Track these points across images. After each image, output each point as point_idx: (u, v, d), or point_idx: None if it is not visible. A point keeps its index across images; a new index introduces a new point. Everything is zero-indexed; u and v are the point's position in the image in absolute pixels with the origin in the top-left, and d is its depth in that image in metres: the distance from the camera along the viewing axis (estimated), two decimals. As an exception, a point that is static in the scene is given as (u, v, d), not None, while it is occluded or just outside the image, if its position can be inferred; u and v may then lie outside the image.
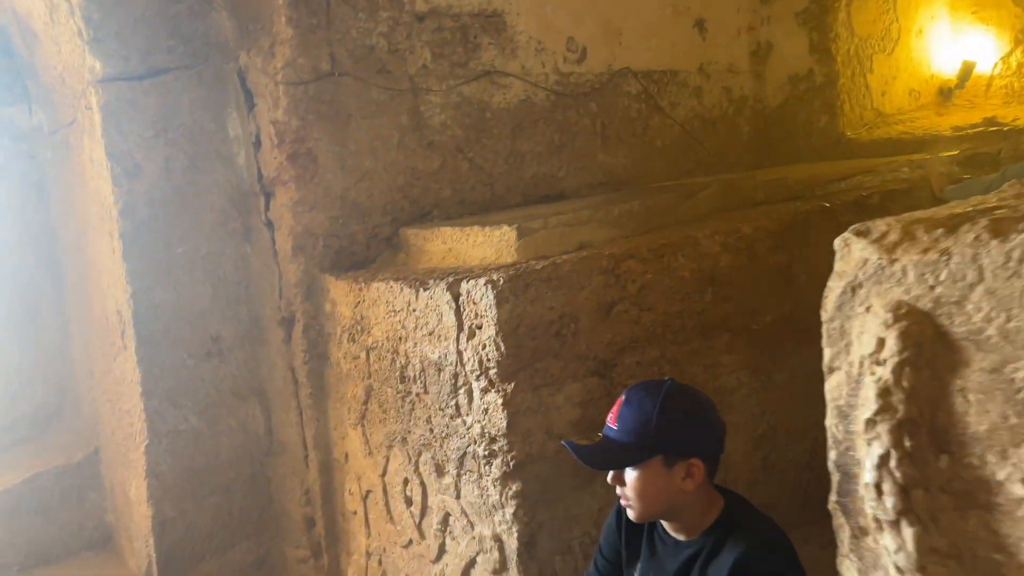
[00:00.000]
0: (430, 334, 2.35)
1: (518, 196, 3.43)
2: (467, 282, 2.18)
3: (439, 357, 2.32)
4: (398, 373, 2.54)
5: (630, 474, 1.59)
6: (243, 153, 3.18)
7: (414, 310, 2.42)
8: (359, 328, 2.73)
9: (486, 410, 2.17)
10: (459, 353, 2.23)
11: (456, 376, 2.26)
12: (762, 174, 3.26)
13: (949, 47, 4.52)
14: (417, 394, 2.46)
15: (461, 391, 2.25)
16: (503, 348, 2.09)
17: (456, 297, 2.22)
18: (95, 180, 3.18)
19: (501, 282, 2.09)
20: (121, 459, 3.36)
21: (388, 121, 3.08)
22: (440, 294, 2.28)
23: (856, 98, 4.21)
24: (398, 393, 2.55)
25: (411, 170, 3.13)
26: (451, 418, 2.31)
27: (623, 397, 1.65)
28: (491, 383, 2.14)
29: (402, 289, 2.47)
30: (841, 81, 4.13)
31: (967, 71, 4.48)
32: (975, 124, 4.14)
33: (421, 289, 2.38)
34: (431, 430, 2.41)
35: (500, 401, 2.12)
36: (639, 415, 1.59)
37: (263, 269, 3.17)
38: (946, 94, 4.56)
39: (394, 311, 2.52)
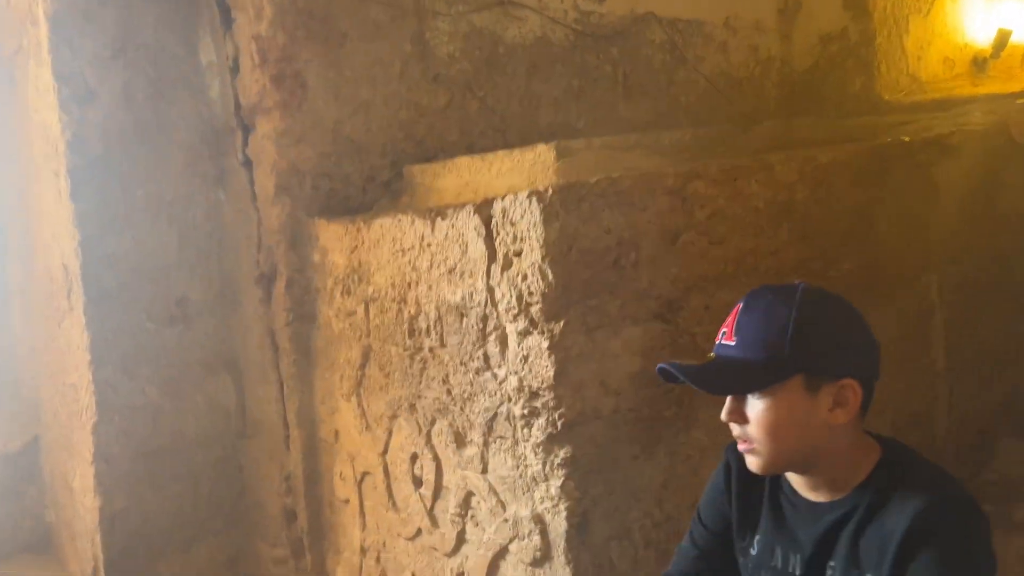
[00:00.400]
0: (450, 272, 1.91)
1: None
2: (502, 200, 1.75)
3: (462, 299, 1.88)
4: (405, 327, 2.09)
5: (756, 404, 1.17)
6: (217, 84, 2.72)
7: (428, 245, 1.98)
8: (356, 278, 2.27)
9: (525, 358, 1.73)
10: (489, 290, 1.79)
11: (485, 320, 1.82)
12: (815, 120, 2.87)
13: (983, 14, 4.22)
14: (431, 349, 2.01)
15: (491, 338, 1.81)
16: (551, 277, 1.66)
17: (487, 221, 1.79)
18: (41, 111, 2.70)
19: (550, 193, 1.66)
20: (64, 444, 2.85)
21: (389, 46, 2.65)
22: (465, 220, 1.84)
23: (892, 60, 3.88)
24: (405, 351, 2.10)
25: (414, 105, 2.70)
26: (476, 373, 1.87)
27: (740, 305, 1.24)
28: (533, 323, 1.70)
29: (413, 222, 2.03)
30: (878, 40, 3.79)
31: (1003, 39, 4.18)
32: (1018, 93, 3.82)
33: (439, 219, 1.94)
34: (448, 391, 1.97)
35: (546, 345, 1.68)
36: (770, 321, 1.17)
37: (239, 218, 2.70)
38: (980, 64, 4.25)
39: (402, 251, 2.08)
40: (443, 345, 1.97)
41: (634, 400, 1.76)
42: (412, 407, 2.09)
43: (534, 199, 1.67)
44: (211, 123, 2.72)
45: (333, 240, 2.37)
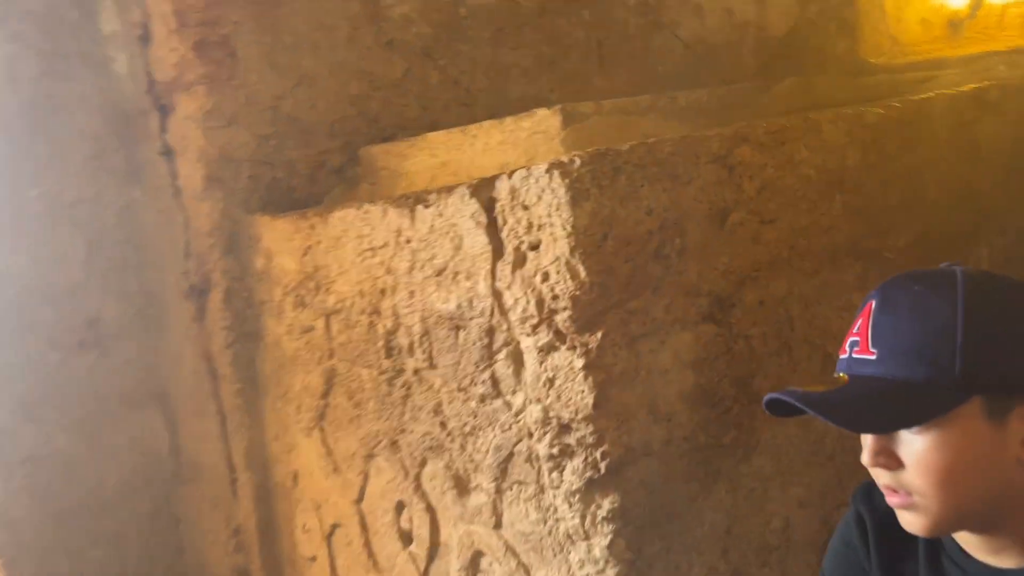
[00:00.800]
0: (438, 274, 1.51)
1: (503, 122, 2.62)
2: (509, 178, 1.35)
3: (457, 307, 1.47)
4: (381, 344, 1.67)
5: (915, 442, 0.83)
6: (124, 57, 2.24)
7: (408, 241, 1.56)
8: (312, 285, 1.84)
9: (551, 380, 1.34)
10: (496, 295, 1.39)
11: (491, 333, 1.42)
12: (833, 78, 2.55)
13: (960, -29, 3.98)
14: (416, 371, 1.60)
15: (501, 355, 1.41)
16: (583, 274, 1.27)
17: (489, 206, 1.39)
18: (-100, 98, 2.18)
19: (577, 164, 1.27)
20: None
21: (334, 6, 2.22)
22: (458, 206, 1.43)
23: (873, 22, 3.59)
24: (382, 375, 1.68)
25: (367, 76, 2.27)
26: (481, 401, 1.46)
27: (873, 302, 0.90)
28: (560, 335, 1.31)
29: (386, 213, 1.61)
30: (860, 1, 3.50)
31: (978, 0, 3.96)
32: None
33: (420, 207, 1.53)
34: (443, 425, 1.56)
35: (580, 363, 1.29)
36: (926, 323, 0.83)
37: (160, 220, 2.23)
38: (956, 26, 4.02)
39: (371, 249, 1.66)
40: (433, 366, 1.56)
41: (688, 426, 1.39)
42: (394, 444, 1.68)
43: (556, 174, 1.27)
44: (119, 105, 2.24)
45: (280, 240, 1.93)
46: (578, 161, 1.27)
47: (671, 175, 1.37)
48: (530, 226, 1.32)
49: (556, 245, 1.28)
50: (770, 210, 1.54)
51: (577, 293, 1.27)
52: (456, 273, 1.47)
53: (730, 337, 1.46)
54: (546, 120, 1.60)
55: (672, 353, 1.37)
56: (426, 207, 1.52)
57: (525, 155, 1.64)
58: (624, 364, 1.31)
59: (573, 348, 1.30)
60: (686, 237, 1.39)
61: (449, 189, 1.48)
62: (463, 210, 1.43)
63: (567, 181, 1.26)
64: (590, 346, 1.28)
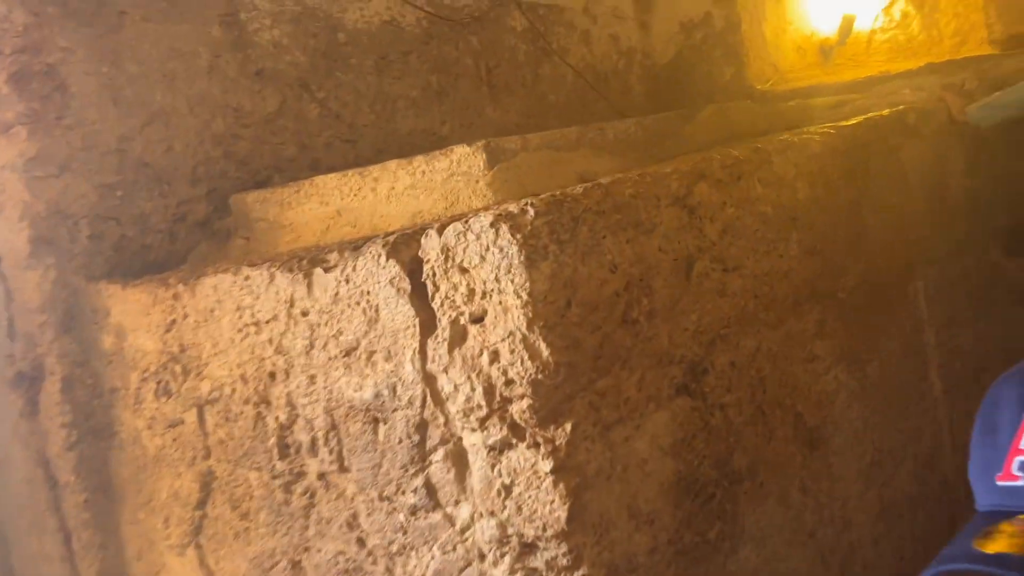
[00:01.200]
0: (348, 354, 1.20)
1: (391, 159, 2.33)
2: (439, 234, 1.07)
3: (376, 396, 1.17)
4: (273, 441, 1.34)
5: None
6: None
7: (304, 313, 1.25)
8: (179, 369, 1.48)
9: (507, 488, 1.05)
10: (428, 381, 1.10)
11: (423, 428, 1.13)
12: (747, 104, 2.42)
13: (828, 2, 4.04)
14: (322, 475, 1.28)
15: (437, 456, 1.12)
16: (546, 351, 1.00)
17: (414, 268, 1.10)
18: None
19: (531, 216, 1.00)
20: None
21: (190, 30, 1.88)
22: (370, 269, 1.14)
23: (755, 48, 3.56)
24: (276, 479, 1.35)
25: (233, 111, 1.94)
26: (412, 514, 1.16)
27: None
28: (517, 430, 1.04)
29: (272, 278, 1.29)
30: (744, 26, 3.45)
31: (848, 25, 4.01)
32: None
33: (319, 269, 1.22)
34: (360, 541, 1.24)
35: (547, 466, 1.02)
36: None
37: (-26, 292, 1.79)
38: (827, 52, 4.07)
39: (256, 324, 1.33)
40: (344, 469, 1.25)
41: (672, 526, 1.14)
42: (296, 566, 1.34)
43: (505, 228, 1.00)
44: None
45: (135, 314, 1.55)
46: (532, 212, 1.01)
47: (634, 222, 1.13)
48: (471, 293, 1.05)
49: (508, 317, 1.01)
50: (733, 256, 1.33)
51: (539, 376, 1.01)
52: (372, 353, 1.17)
53: (706, 410, 1.23)
54: (467, 159, 1.34)
55: (649, 439, 1.12)
56: (327, 270, 1.22)
57: (444, 201, 1.36)
58: (599, 461, 1.05)
59: (536, 446, 1.03)
60: (654, 296, 1.16)
61: (355, 247, 1.19)
62: (378, 274, 1.13)
63: (520, 237, 0.99)
64: (558, 442, 1.02)
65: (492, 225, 1.01)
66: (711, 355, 1.25)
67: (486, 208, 1.13)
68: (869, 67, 4.01)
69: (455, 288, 1.06)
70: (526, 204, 1.01)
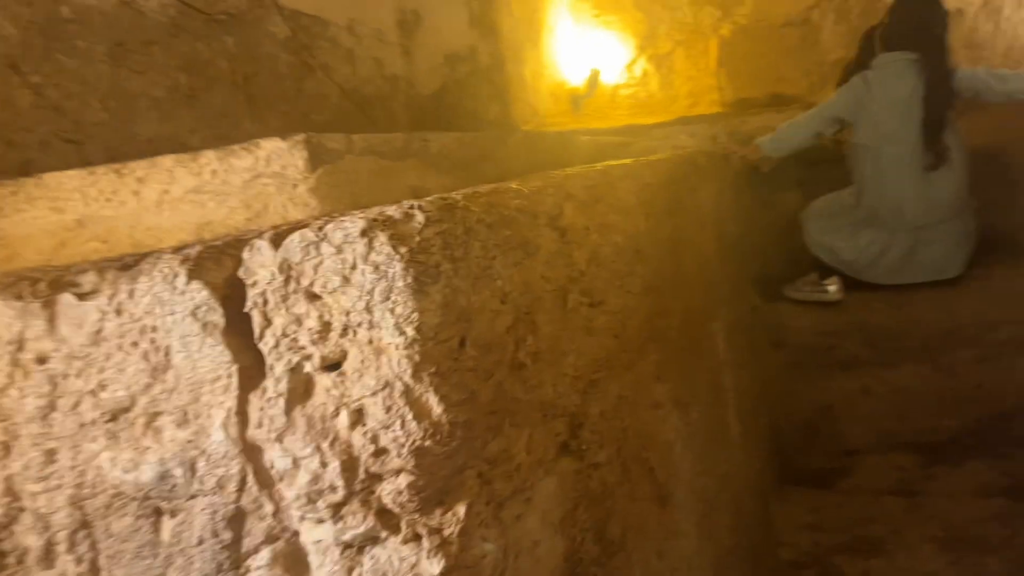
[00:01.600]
0: (113, 418, 0.84)
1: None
2: (274, 247, 0.76)
3: (161, 477, 0.82)
4: (-24, 547, 0.91)
5: None
6: None
7: (41, 361, 0.86)
8: None
9: (370, 599, 0.76)
10: (248, 453, 0.78)
11: (237, 521, 0.79)
12: (553, 133, 2.30)
13: (577, 51, 4.16)
14: (63, 595, 0.88)
15: (259, 560, 0.79)
16: (437, 408, 0.74)
17: (231, 293, 0.78)
18: None
19: (421, 223, 0.74)
20: None
21: None
22: (160, 295, 0.80)
23: (517, 90, 3.53)
24: (-20, 603, 0.92)
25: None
26: (216, 643, 0.82)
27: None
28: (389, 518, 0.75)
29: (-11, 309, 0.88)
30: (509, 65, 3.40)
31: (595, 79, 4.17)
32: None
33: (70, 295, 0.84)
34: None
35: (436, 567, 0.74)
36: None
37: None
38: (577, 101, 4.19)
39: (-45, 376, 0.90)
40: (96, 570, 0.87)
41: (564, 622, 0.91)
42: None
43: (383, 238, 0.72)
44: None
45: None
46: (421, 218, 0.74)
47: (521, 241, 0.91)
48: (325, 329, 0.75)
49: (383, 361, 0.73)
50: (598, 289, 1.16)
51: (426, 442, 0.73)
52: (156, 415, 0.82)
53: (584, 471, 1.02)
54: (281, 157, 1.03)
55: (540, 515, 0.89)
56: (81, 297, 0.85)
57: (245, 210, 1.04)
58: (495, 554, 0.79)
59: (416, 539, 0.75)
60: (538, 333, 0.93)
61: (128, 264, 0.83)
62: (172, 303, 0.79)
63: (405, 251, 0.72)
64: (447, 532, 0.75)
65: (364, 234, 0.73)
66: (586, 404, 1.06)
67: (327, 215, 0.84)
68: (614, 119, 4.19)
69: (299, 322, 0.76)
70: (411, 207, 0.75)
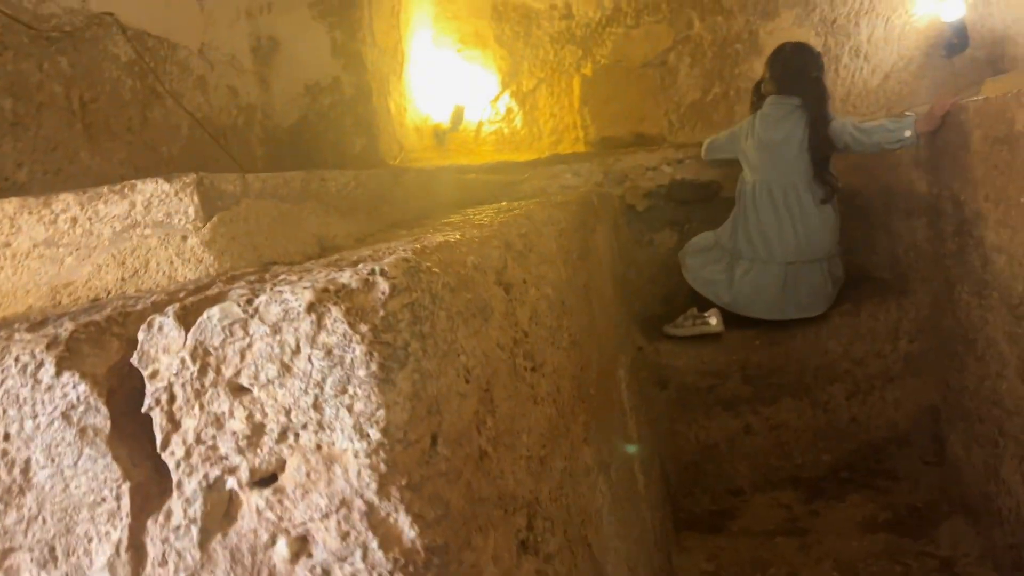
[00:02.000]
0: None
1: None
2: (182, 327, 0.58)
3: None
4: None
5: None
6: None
7: None
8: None
9: None
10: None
11: None
12: (440, 171, 2.15)
13: (441, 86, 4.04)
14: None
15: None
16: (412, 534, 0.57)
17: (113, 387, 0.59)
18: None
19: (384, 294, 0.58)
20: None
21: None
22: (12, 391, 0.59)
23: (383, 123, 3.36)
24: None
25: None
26: None
27: None
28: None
29: None
30: (375, 98, 3.23)
31: (459, 115, 4.06)
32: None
33: None
34: None
35: None
36: None
37: None
38: (441, 137, 4.06)
39: None
40: None
41: None
42: None
43: (337, 312, 0.56)
44: None
45: None
46: (384, 285, 0.58)
47: (481, 305, 0.76)
48: (256, 433, 0.57)
49: (337, 472, 0.56)
50: (537, 350, 1.02)
51: (396, 577, 0.57)
52: (8, 552, 0.60)
53: (541, 569, 0.88)
54: (165, 202, 0.83)
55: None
56: None
57: (117, 267, 0.83)
58: None
59: None
60: (496, 413, 0.79)
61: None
62: (33, 400, 0.59)
63: (367, 330, 0.56)
64: None
65: (312, 309, 0.56)
66: (538, 487, 0.91)
67: (227, 274, 0.67)
68: (480, 156, 4.09)
69: (219, 424, 0.58)
70: (372, 272, 0.59)
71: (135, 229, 0.84)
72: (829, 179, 2.47)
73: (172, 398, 0.58)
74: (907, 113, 2.37)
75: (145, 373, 0.59)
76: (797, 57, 2.49)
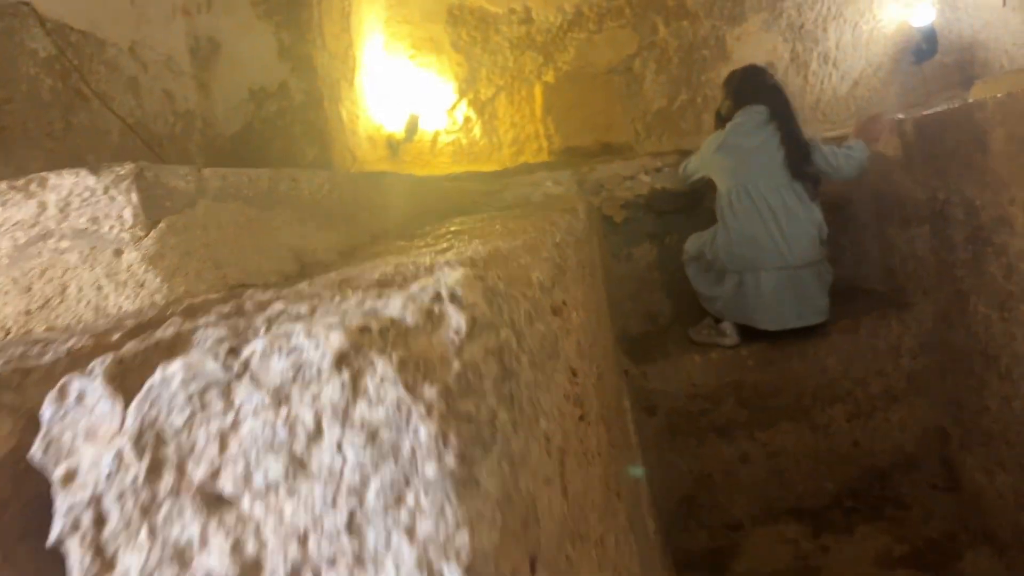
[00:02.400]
0: None
1: None
2: (116, 393, 0.34)
3: None
4: None
5: None
6: None
7: None
8: None
9: None
10: None
11: None
12: (427, 178, 1.92)
13: (394, 94, 3.81)
14: None
15: None
16: None
17: None
18: None
19: (459, 334, 0.35)
20: None
21: None
22: None
23: (334, 132, 3.10)
24: None
25: None
26: None
27: None
28: None
29: None
30: (326, 104, 2.98)
31: (414, 124, 3.83)
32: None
33: None
34: None
35: None
36: None
37: None
38: (395, 147, 3.82)
39: None
40: None
41: None
42: None
43: (382, 365, 0.33)
44: None
45: None
46: (458, 319, 0.35)
47: (551, 340, 0.54)
48: (253, 572, 0.34)
49: None
50: (587, 394, 0.80)
51: None
52: None
53: None
54: (92, 202, 0.59)
55: None
56: None
57: (25, 297, 0.59)
58: None
59: None
60: (569, 492, 0.56)
61: None
62: None
63: (436, 395, 0.33)
64: None
65: (344, 361, 0.33)
66: (603, 578, 0.69)
67: (183, 301, 0.43)
68: (436, 167, 3.87)
69: (182, 561, 0.34)
70: (437, 298, 0.36)
71: (46, 241, 0.59)
72: (810, 176, 2.33)
73: (101, 519, 0.34)
74: (847, 144, 2.36)
75: (55, 475, 0.35)
76: (749, 73, 2.49)
